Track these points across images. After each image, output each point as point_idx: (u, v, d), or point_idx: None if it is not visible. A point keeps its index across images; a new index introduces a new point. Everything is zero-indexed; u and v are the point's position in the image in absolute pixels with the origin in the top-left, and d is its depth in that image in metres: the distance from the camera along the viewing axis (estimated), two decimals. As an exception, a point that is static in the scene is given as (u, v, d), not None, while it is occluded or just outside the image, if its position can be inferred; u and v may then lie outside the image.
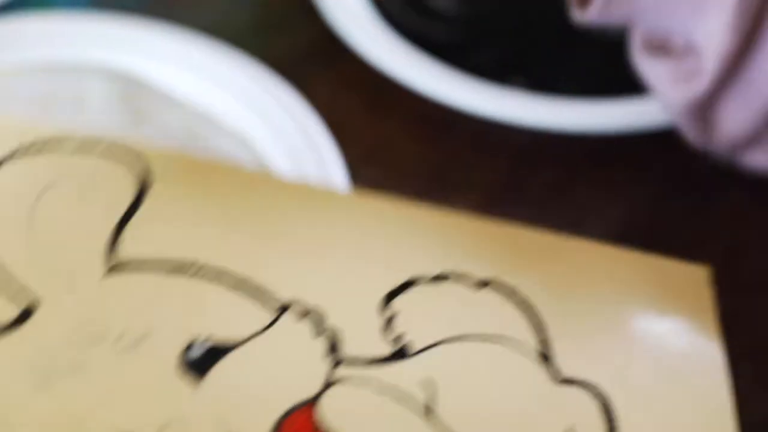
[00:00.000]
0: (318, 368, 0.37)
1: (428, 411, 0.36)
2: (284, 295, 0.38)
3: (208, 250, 0.39)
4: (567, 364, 0.39)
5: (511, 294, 0.40)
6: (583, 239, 0.43)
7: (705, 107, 0.45)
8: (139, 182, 0.40)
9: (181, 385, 0.35)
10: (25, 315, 0.36)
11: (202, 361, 0.36)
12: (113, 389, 0.34)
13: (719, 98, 0.44)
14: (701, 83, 0.43)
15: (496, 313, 0.40)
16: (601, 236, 0.44)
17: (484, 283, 0.41)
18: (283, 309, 0.38)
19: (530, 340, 0.40)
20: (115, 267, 0.38)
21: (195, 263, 0.38)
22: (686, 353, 0.40)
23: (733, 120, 0.44)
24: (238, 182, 0.42)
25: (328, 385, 0.36)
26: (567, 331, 0.40)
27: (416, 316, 0.39)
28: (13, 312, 0.36)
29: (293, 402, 0.36)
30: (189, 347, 0.36)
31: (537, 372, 0.39)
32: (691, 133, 0.47)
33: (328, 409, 0.36)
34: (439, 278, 0.41)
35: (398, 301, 0.39)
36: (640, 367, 0.40)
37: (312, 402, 0.36)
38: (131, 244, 0.38)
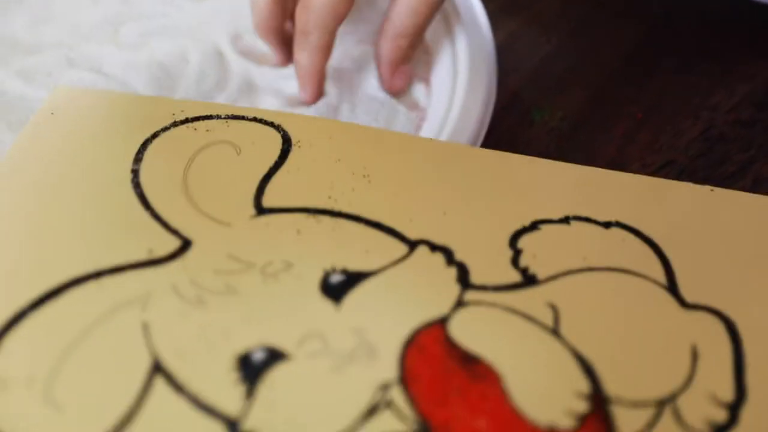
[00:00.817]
0: (449, 292, 0.39)
1: (554, 332, 0.38)
2: (414, 236, 0.41)
3: (343, 201, 0.42)
4: (693, 294, 0.40)
5: (635, 233, 0.42)
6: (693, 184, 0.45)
7: None
8: (283, 143, 0.44)
9: (321, 305, 0.38)
10: (184, 247, 0.40)
11: (340, 286, 0.39)
12: (259, 308, 0.38)
13: None
14: None
15: (620, 249, 0.41)
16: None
17: (607, 224, 0.42)
18: (415, 245, 0.41)
19: (656, 272, 0.41)
20: (261, 211, 0.41)
21: (332, 210, 0.42)
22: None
23: None
24: (371, 140, 0.45)
25: (458, 305, 0.39)
26: (693, 266, 0.41)
27: (542, 251, 0.41)
28: (174, 245, 0.40)
29: (426, 319, 0.38)
30: (328, 274, 0.39)
31: (662, 298, 0.40)
32: None
33: (458, 326, 0.38)
34: (564, 221, 0.42)
35: (524, 239, 0.41)
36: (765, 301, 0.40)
37: (443, 319, 0.38)
38: (275, 194, 0.42)
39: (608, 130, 0.53)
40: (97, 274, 0.38)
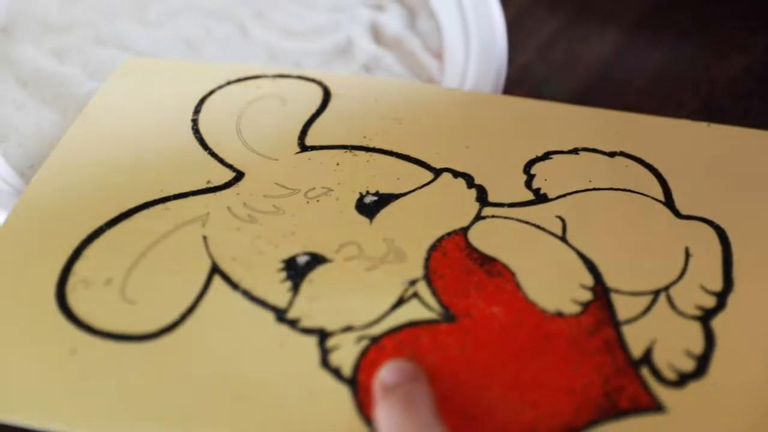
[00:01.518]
0: (470, 208, 0.45)
1: (562, 239, 0.44)
2: (439, 165, 0.47)
3: (377, 140, 0.48)
4: (687, 208, 0.45)
5: (637, 160, 0.47)
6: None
7: None
8: (324, 94, 0.51)
9: (357, 220, 0.44)
10: (237, 178, 0.46)
11: (373, 205, 0.45)
12: (303, 224, 0.44)
13: None
14: None
15: (623, 173, 0.47)
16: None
17: (612, 154, 0.48)
18: (439, 172, 0.46)
19: (654, 191, 0.46)
20: (304, 149, 0.48)
21: (367, 146, 0.48)
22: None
23: None
24: (402, 90, 0.51)
25: (477, 219, 0.44)
26: (688, 186, 0.46)
27: (553, 176, 0.46)
28: (229, 176, 0.46)
29: (448, 229, 0.44)
30: (363, 196, 0.45)
31: (659, 210, 0.45)
32: None
33: (476, 233, 0.44)
34: (573, 151, 0.48)
35: (537, 167, 0.47)
36: (757, 215, 0.45)
37: (464, 229, 0.44)
38: (316, 135, 0.48)
39: (612, 103, 0.58)
40: (164, 200, 0.44)
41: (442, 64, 0.59)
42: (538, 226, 0.44)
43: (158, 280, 0.41)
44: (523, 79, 0.62)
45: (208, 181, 0.45)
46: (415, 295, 0.41)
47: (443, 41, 0.59)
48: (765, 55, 0.61)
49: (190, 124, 0.48)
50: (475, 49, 0.56)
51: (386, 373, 0.37)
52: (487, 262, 0.42)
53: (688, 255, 0.42)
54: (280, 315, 0.40)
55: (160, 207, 0.44)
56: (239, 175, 0.46)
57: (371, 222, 0.44)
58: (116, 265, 0.41)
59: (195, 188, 0.45)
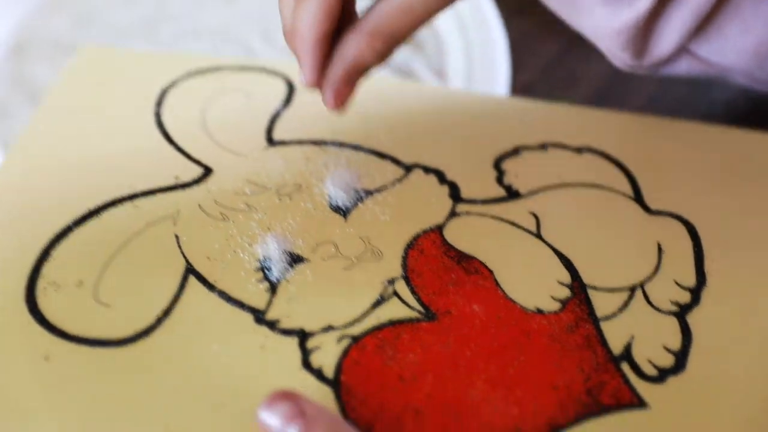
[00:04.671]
0: (443, 205, 0.45)
1: (537, 236, 0.44)
2: (409, 161, 0.46)
3: (345, 134, 0.48)
4: (656, 204, 0.46)
5: (604, 156, 0.48)
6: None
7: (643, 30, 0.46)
8: (288, 88, 0.50)
9: (330, 217, 0.43)
10: (206, 174, 0.45)
11: (346, 204, 0.44)
12: (276, 222, 0.43)
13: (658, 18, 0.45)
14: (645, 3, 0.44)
15: (591, 169, 0.47)
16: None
17: (580, 150, 0.48)
18: (410, 168, 0.46)
19: (623, 186, 0.46)
20: (272, 143, 0.47)
21: (336, 141, 0.47)
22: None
23: (666, 38, 0.46)
24: (370, 85, 0.50)
25: (452, 215, 0.44)
26: (656, 181, 0.47)
27: (523, 172, 0.46)
28: (197, 172, 0.45)
29: (424, 227, 0.43)
30: (333, 193, 0.44)
31: (629, 206, 0.46)
32: (619, 58, 0.48)
33: (452, 231, 0.43)
34: (542, 147, 0.48)
35: (507, 162, 0.47)
36: (724, 210, 0.46)
37: (439, 227, 0.43)
38: (284, 130, 0.48)
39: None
40: (132, 197, 0.43)
41: (444, 82, 0.59)
42: (513, 223, 0.44)
43: (132, 282, 0.40)
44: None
45: (177, 177, 0.44)
46: (395, 294, 0.40)
47: (446, 60, 0.59)
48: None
49: (153, 117, 0.47)
50: (477, 69, 0.57)
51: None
52: (464, 259, 0.42)
53: (660, 250, 0.43)
54: (259, 316, 0.39)
55: (128, 205, 0.43)
56: (207, 171, 0.45)
57: (346, 219, 0.43)
58: (87, 266, 0.40)
59: (163, 185, 0.44)
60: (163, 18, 0.62)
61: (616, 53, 0.47)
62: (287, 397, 0.34)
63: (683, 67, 0.48)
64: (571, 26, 0.48)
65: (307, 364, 0.38)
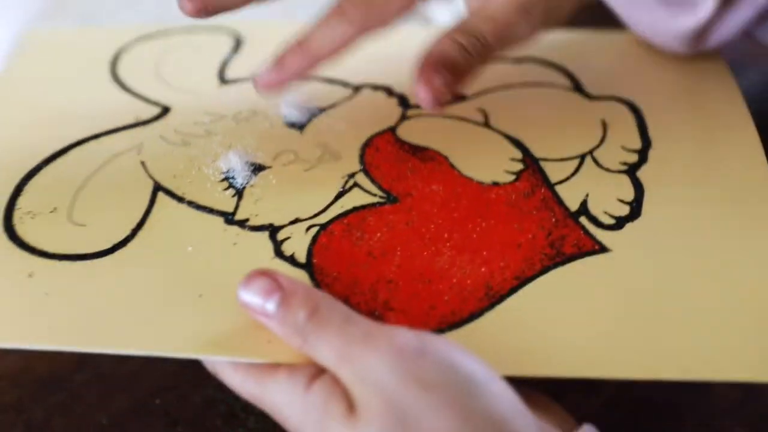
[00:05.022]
0: (394, 111, 0.47)
1: (485, 125, 0.46)
2: (357, 82, 0.49)
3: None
4: (596, 91, 0.48)
5: (545, 63, 0.50)
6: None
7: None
8: (235, 40, 0.52)
9: (287, 132, 0.45)
10: (165, 111, 0.47)
11: (301, 120, 0.46)
12: (236, 140, 0.45)
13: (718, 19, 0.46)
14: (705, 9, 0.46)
15: (531, 74, 0.49)
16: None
17: (519, 60, 0.50)
18: (358, 88, 0.48)
19: (562, 82, 0.49)
20: (224, 82, 0.49)
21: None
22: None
23: (725, 32, 0.47)
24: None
25: (402, 119, 0.46)
26: (594, 75, 0.49)
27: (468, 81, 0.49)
28: (156, 111, 0.47)
29: (378, 129, 0.45)
30: (288, 113, 0.47)
31: (570, 95, 0.48)
32: (674, 50, 0.50)
33: (405, 129, 0.45)
34: (482, 60, 0.50)
35: (451, 75, 0.49)
36: (663, 92, 0.48)
37: (392, 128, 0.46)
38: (234, 71, 0.50)
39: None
40: (95, 136, 0.45)
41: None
42: (461, 118, 0.46)
43: (104, 203, 0.41)
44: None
45: (137, 117, 0.46)
46: (356, 185, 0.42)
47: None
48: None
49: (109, 75, 0.49)
50: None
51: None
52: (419, 150, 0.44)
53: (605, 125, 0.45)
54: (229, 218, 0.41)
55: (93, 143, 0.45)
56: (166, 110, 0.47)
57: (302, 132, 0.45)
58: (59, 194, 0.42)
59: (125, 124, 0.46)
60: (167, 22, 0.63)
61: (672, 48, 0.49)
62: (263, 274, 0.35)
63: (737, 48, 0.49)
64: (627, 24, 0.50)
65: (279, 253, 0.39)
